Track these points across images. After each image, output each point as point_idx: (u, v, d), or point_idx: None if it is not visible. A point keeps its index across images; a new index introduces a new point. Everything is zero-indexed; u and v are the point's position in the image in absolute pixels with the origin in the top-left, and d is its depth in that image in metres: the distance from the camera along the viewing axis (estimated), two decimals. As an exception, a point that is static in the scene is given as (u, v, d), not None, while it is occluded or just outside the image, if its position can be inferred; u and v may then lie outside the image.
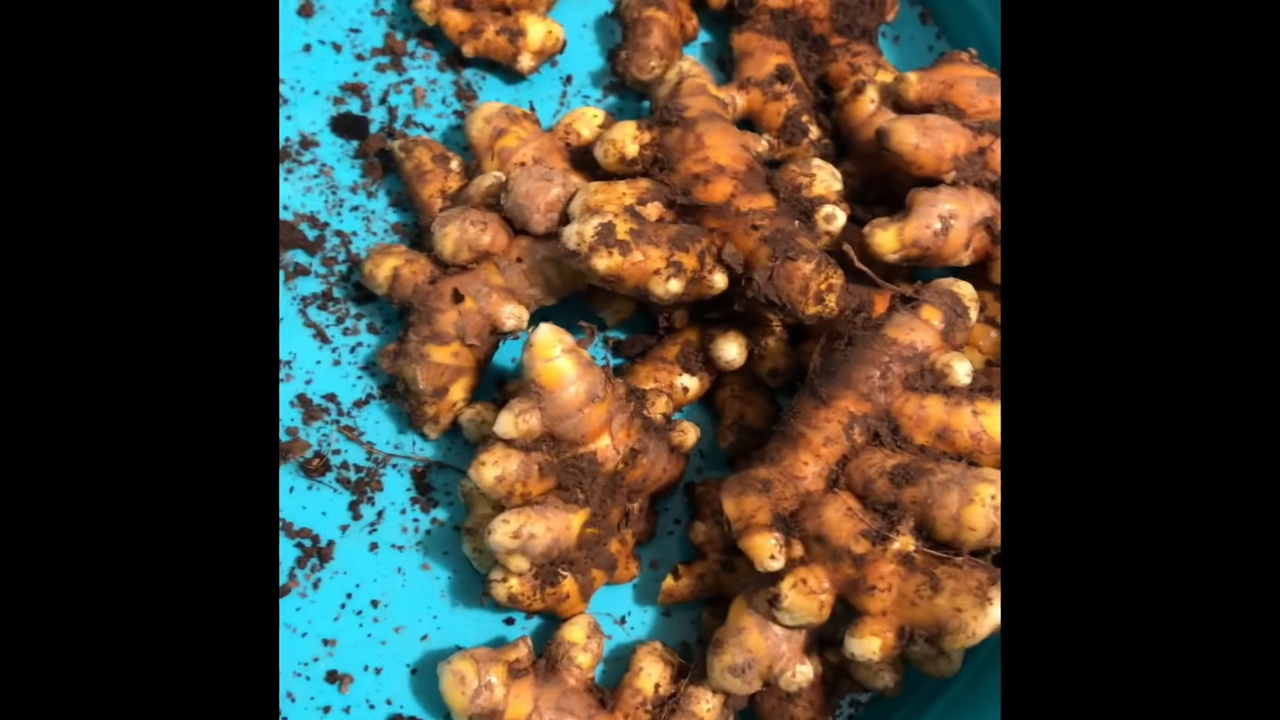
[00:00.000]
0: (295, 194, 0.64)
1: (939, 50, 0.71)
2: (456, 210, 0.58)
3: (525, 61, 0.66)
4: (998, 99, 0.58)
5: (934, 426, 0.49)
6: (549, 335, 0.51)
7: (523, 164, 0.60)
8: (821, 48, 0.66)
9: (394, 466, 0.60)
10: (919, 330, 0.50)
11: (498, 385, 0.61)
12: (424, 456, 0.60)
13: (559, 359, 0.51)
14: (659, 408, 0.57)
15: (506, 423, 0.51)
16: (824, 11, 0.66)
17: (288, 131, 0.65)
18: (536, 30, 0.65)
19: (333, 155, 0.65)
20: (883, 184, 0.62)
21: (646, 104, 0.68)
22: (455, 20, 0.66)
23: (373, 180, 0.65)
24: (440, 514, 0.59)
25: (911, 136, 0.56)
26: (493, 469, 0.51)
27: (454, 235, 0.57)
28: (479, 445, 0.56)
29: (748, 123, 0.66)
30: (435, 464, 0.60)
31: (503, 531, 0.51)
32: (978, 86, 0.58)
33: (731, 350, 0.57)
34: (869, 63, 0.65)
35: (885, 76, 0.64)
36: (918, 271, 0.60)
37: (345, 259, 0.63)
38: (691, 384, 0.59)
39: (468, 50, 0.66)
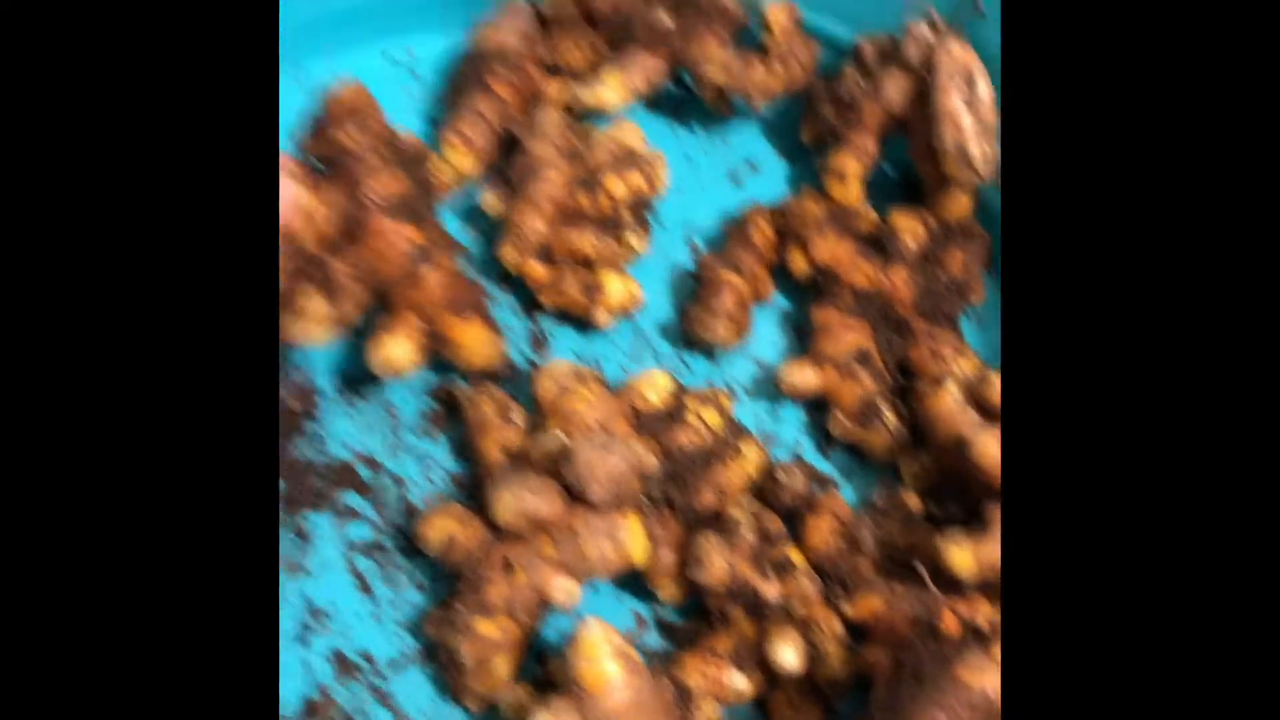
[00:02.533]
0: (355, 431, 0.63)
1: (1023, 333, 0.69)
2: (515, 476, 0.57)
3: (601, 317, 0.65)
4: (1085, 413, 0.56)
5: (1003, 790, 0.45)
6: (598, 635, 0.49)
7: (587, 428, 0.59)
8: (904, 331, 0.65)
9: (423, 738, 0.57)
10: (990, 674, 0.47)
11: (538, 659, 0.58)
12: (455, 732, 0.57)
13: (606, 662, 0.48)
14: (705, 712, 0.54)
15: (544, 726, 0.48)
16: (909, 295, 0.65)
17: (357, 365, 0.65)
18: (615, 288, 0.65)
19: (397, 394, 0.65)
20: (960, 479, 0.60)
21: (713, 366, 0.67)
22: (537, 272, 0.65)
23: (436, 425, 0.64)
24: (467, 797, 0.56)
25: (997, 453, 0.54)
26: (524, 774, 0.48)
27: (510, 503, 0.55)
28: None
29: (820, 401, 0.64)
30: (467, 743, 0.57)
31: None
32: (1065, 398, 0.56)
33: (789, 656, 0.54)
34: (950, 350, 0.63)
35: (966, 365, 0.62)
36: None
37: (399, 506, 0.62)
38: (743, 685, 0.56)
39: (546, 301, 0.66)
